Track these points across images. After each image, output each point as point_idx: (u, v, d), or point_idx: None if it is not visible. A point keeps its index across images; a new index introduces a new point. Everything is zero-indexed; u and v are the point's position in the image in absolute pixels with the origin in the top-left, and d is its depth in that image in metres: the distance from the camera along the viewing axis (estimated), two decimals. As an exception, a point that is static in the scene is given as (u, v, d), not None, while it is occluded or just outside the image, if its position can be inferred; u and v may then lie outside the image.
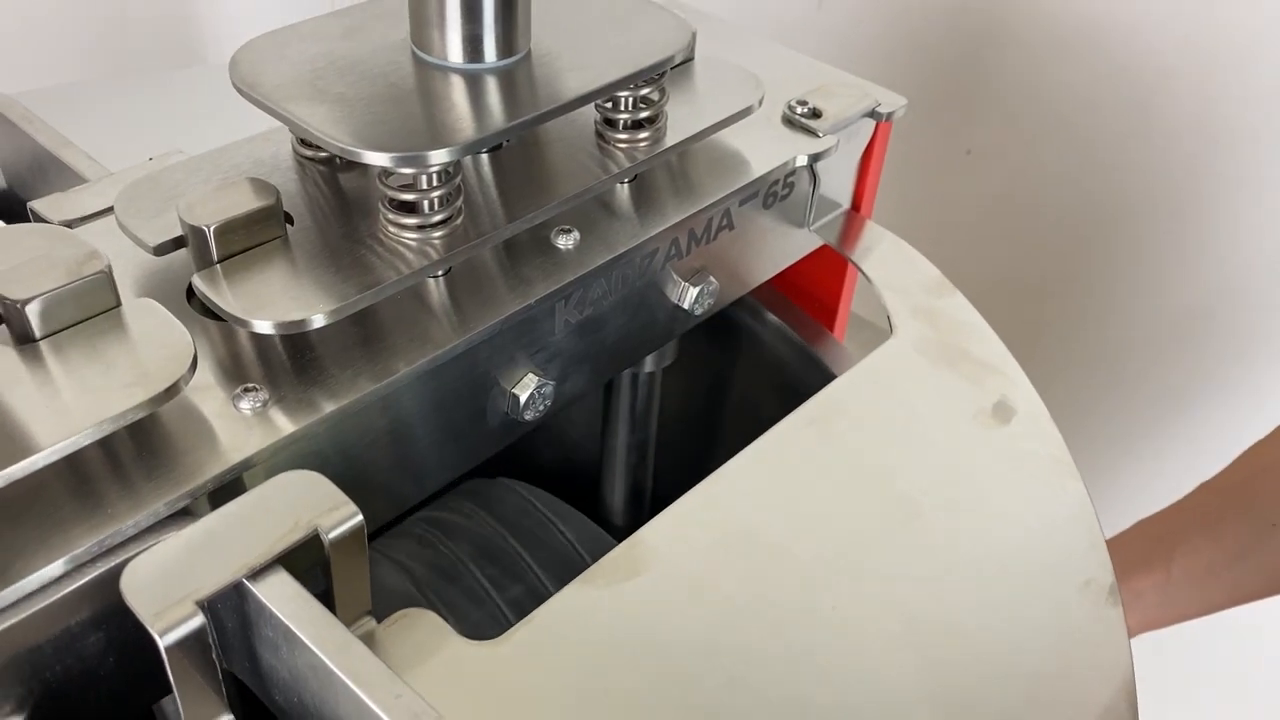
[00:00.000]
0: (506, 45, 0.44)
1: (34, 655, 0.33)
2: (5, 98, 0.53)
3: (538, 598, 0.63)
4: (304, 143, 0.46)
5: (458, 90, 0.43)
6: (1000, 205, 1.11)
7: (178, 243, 0.40)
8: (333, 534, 0.34)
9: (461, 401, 0.44)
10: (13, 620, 0.32)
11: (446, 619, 0.38)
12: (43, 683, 0.34)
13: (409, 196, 0.41)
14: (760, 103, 0.52)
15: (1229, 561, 0.63)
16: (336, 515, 0.34)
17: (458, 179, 0.42)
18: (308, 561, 0.34)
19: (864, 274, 0.56)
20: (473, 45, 0.44)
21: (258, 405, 0.38)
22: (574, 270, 0.45)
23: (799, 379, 0.62)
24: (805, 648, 0.40)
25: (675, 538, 0.42)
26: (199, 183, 0.43)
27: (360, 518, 0.35)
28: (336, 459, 0.40)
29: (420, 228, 0.42)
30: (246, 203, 0.40)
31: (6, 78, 0.64)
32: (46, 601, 0.33)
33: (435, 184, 0.41)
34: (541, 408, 0.47)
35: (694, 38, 0.48)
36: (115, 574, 0.34)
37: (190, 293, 0.42)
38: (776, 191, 0.55)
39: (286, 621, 0.32)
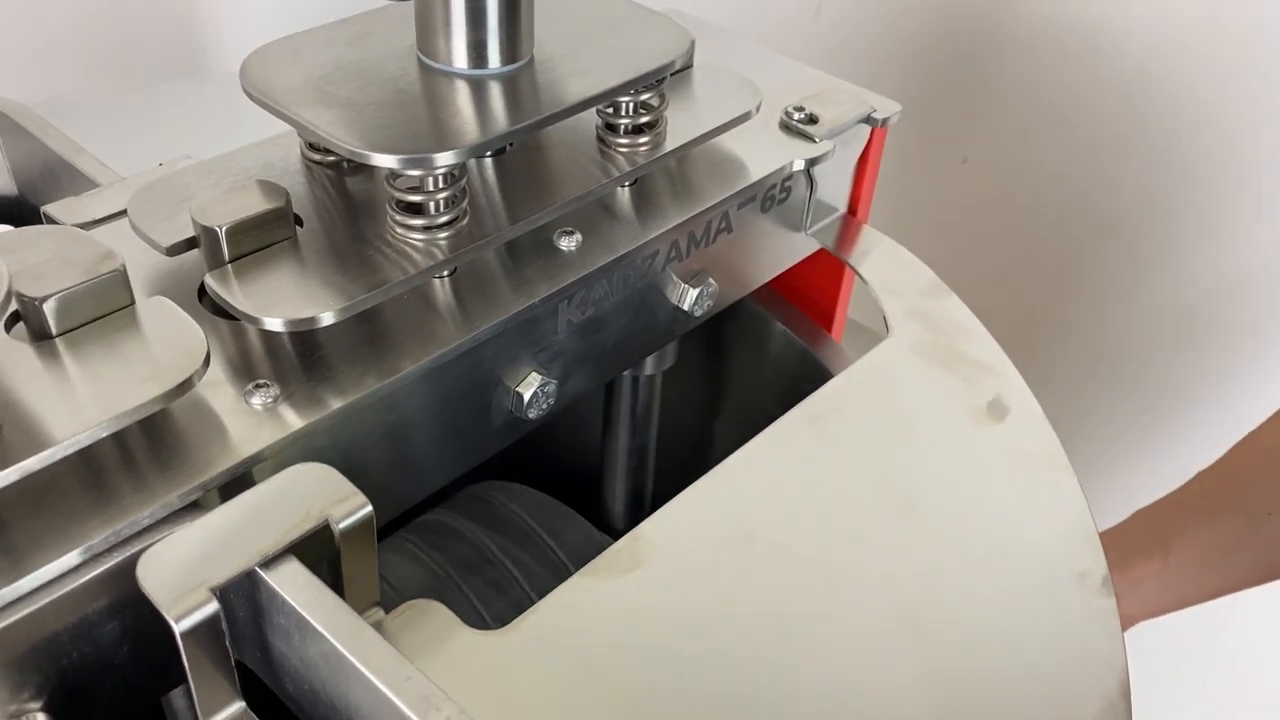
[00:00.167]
0: (510, 52, 0.45)
1: (52, 643, 0.34)
2: (18, 105, 0.54)
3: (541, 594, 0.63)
4: (312, 147, 0.47)
5: (463, 95, 0.44)
6: (996, 211, 1.12)
7: (190, 243, 0.41)
8: (343, 524, 0.35)
9: (466, 399, 0.45)
10: (32, 608, 0.33)
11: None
12: (60, 670, 0.34)
13: (415, 198, 0.42)
14: (758, 108, 0.53)
15: (1226, 550, 0.64)
16: (346, 506, 0.35)
17: (463, 181, 0.44)
18: (318, 552, 0.35)
19: (860, 276, 0.57)
20: (477, 52, 0.45)
21: (269, 401, 0.39)
22: (576, 271, 0.46)
23: (798, 381, 0.63)
24: (803, 640, 0.41)
25: (675, 532, 0.43)
26: (210, 186, 0.44)
27: (369, 508, 0.36)
28: (344, 454, 0.41)
29: (426, 229, 0.43)
30: (257, 204, 0.41)
31: (6, 86, 0.65)
32: (64, 590, 0.34)
33: (441, 186, 0.42)
34: (544, 406, 0.48)
35: (693, 45, 0.49)
36: (130, 564, 0.35)
37: (201, 292, 0.43)
38: (774, 195, 0.56)
39: (298, 608, 0.33)
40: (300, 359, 0.42)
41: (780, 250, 0.59)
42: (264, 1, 1.14)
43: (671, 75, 0.51)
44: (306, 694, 0.36)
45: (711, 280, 0.54)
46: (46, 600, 0.34)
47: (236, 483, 0.38)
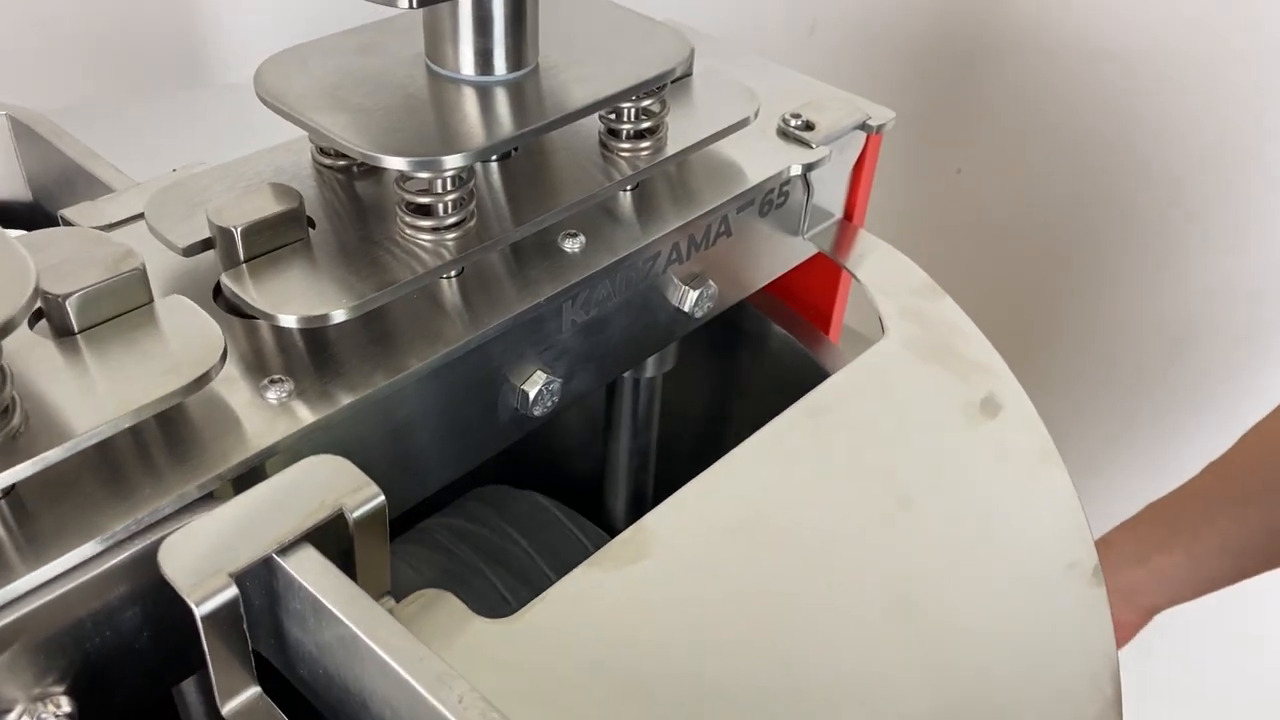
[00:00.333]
0: (516, 59, 0.47)
1: (75, 628, 0.35)
2: (33, 113, 0.56)
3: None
4: (323, 151, 0.48)
5: (470, 101, 0.45)
6: (989, 219, 1.14)
7: (205, 244, 0.43)
8: (357, 513, 0.36)
9: (474, 397, 0.46)
10: (55, 594, 0.34)
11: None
12: (83, 654, 0.35)
13: (425, 200, 0.44)
14: (756, 115, 0.54)
15: (1249, 534, 0.65)
16: (360, 496, 0.36)
17: (470, 184, 0.45)
18: (333, 541, 0.36)
19: (856, 278, 0.59)
20: (484, 59, 0.46)
21: (284, 395, 0.40)
22: (580, 272, 0.48)
23: (796, 382, 0.64)
24: (804, 628, 0.42)
25: (678, 523, 0.44)
26: (224, 189, 0.45)
27: (382, 498, 0.37)
28: (355, 449, 0.42)
29: (435, 230, 0.44)
30: (271, 206, 0.42)
31: (11, 96, 0.66)
32: (86, 577, 0.35)
33: (449, 188, 0.44)
34: (549, 404, 0.49)
35: (692, 53, 0.51)
36: (149, 552, 0.36)
37: (215, 292, 0.45)
38: (772, 200, 0.57)
39: (314, 592, 0.34)
40: (312, 357, 0.43)
41: (778, 254, 0.60)
42: (264, 16, 1.16)
43: (672, 82, 0.52)
44: (321, 679, 0.37)
45: (711, 282, 0.55)
46: (69, 586, 0.35)
47: (250, 475, 0.39)
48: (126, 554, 0.36)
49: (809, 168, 0.56)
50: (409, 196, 0.44)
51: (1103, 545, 0.69)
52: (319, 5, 1.11)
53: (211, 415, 0.40)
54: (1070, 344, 1.12)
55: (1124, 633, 0.72)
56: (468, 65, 0.46)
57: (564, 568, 0.67)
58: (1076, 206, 1.05)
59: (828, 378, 0.52)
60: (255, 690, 0.37)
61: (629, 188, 0.52)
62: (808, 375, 0.63)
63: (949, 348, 0.55)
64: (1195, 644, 1.03)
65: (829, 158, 0.57)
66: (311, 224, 0.45)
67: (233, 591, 0.34)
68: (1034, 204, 1.10)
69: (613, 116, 0.50)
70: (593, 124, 0.51)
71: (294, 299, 0.41)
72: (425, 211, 0.44)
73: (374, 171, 0.48)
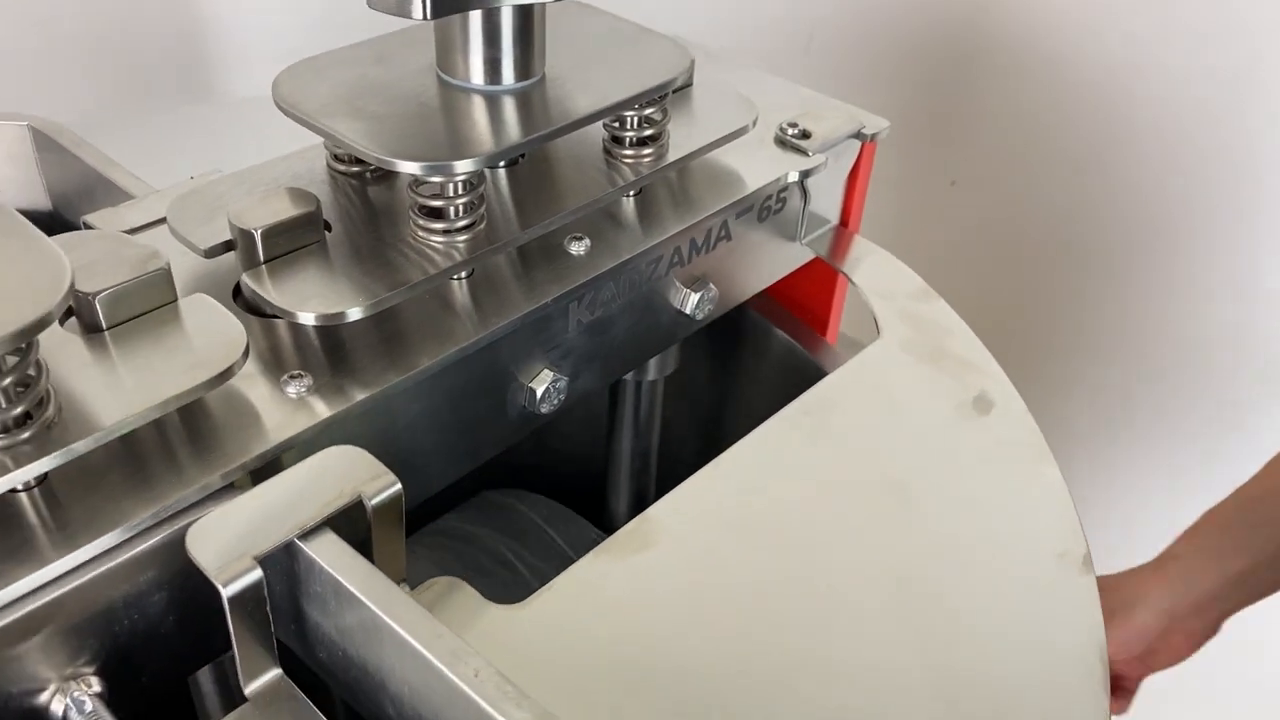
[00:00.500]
0: (524, 69, 0.48)
1: (106, 612, 0.36)
2: (54, 124, 0.58)
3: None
4: (336, 158, 0.50)
5: (479, 109, 0.47)
6: (983, 229, 1.16)
7: (227, 246, 0.44)
8: (374, 500, 0.38)
9: (484, 393, 0.48)
10: (87, 578, 0.36)
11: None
12: (112, 636, 0.37)
13: (437, 203, 0.45)
14: (754, 123, 0.56)
15: None
16: (378, 484, 0.38)
17: (481, 189, 0.47)
18: (351, 528, 0.38)
19: (852, 282, 0.60)
20: (493, 69, 0.48)
21: (303, 390, 0.42)
22: (586, 273, 0.49)
23: (796, 384, 0.65)
24: (801, 613, 0.43)
25: (681, 515, 0.46)
26: (243, 194, 0.47)
27: (399, 486, 0.38)
28: (370, 443, 0.44)
29: (446, 232, 0.46)
30: (290, 209, 0.44)
31: (16, 108, 0.68)
32: (115, 562, 0.36)
33: (460, 192, 0.45)
34: (556, 401, 0.50)
35: (693, 64, 0.52)
36: (175, 539, 0.37)
37: (234, 293, 0.46)
38: (770, 206, 0.59)
39: (335, 574, 0.35)
40: (327, 355, 0.44)
41: (777, 258, 0.62)
42: (269, 17, 1.18)
43: (673, 92, 0.54)
44: (339, 661, 0.38)
45: (712, 285, 0.57)
46: (98, 572, 0.36)
47: (267, 468, 0.40)
48: (153, 541, 0.37)
49: (806, 174, 0.58)
50: (422, 200, 0.45)
51: (1170, 560, 0.70)
52: (318, 14, 1.14)
53: (232, 409, 0.41)
54: (1062, 353, 1.13)
55: (1193, 642, 0.70)
56: (477, 75, 0.48)
57: (567, 568, 0.68)
58: (1068, 218, 1.07)
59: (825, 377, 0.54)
60: (277, 672, 0.38)
61: (632, 193, 0.54)
62: (806, 377, 0.64)
63: (942, 348, 0.56)
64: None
65: (825, 165, 0.59)
66: (328, 227, 0.46)
67: (257, 574, 0.35)
68: (1026, 215, 1.11)
69: (616, 124, 0.52)
70: (597, 131, 0.53)
71: (312, 297, 0.42)
72: (437, 214, 0.46)
73: (386, 177, 0.50)
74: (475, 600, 0.42)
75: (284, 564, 0.37)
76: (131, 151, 0.67)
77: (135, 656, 0.38)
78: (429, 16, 0.42)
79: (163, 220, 0.49)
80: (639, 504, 0.75)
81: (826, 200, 0.64)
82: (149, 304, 0.41)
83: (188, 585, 0.38)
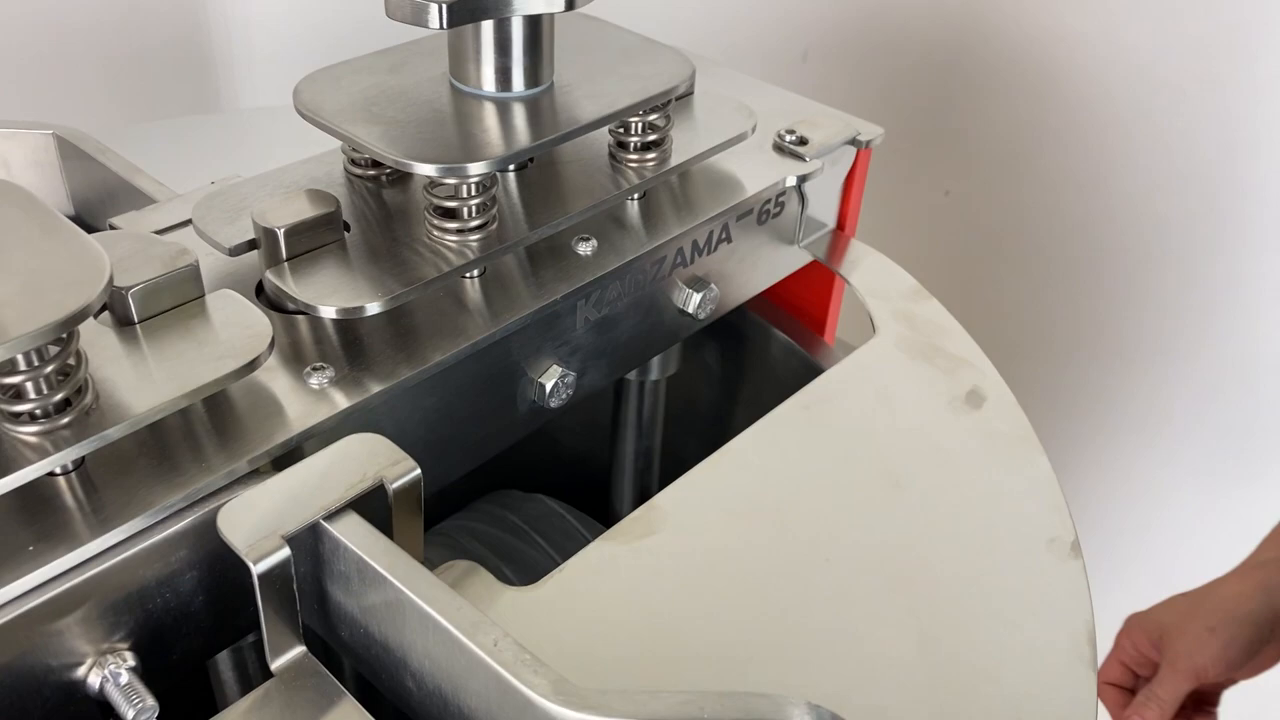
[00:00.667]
0: (533, 77, 0.51)
1: (139, 591, 0.38)
2: (78, 131, 0.60)
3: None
4: (354, 162, 0.52)
5: (491, 115, 0.49)
6: (977, 237, 1.18)
7: (250, 245, 0.46)
8: (395, 484, 0.40)
9: (496, 387, 0.50)
10: (121, 558, 0.37)
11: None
12: (146, 613, 0.39)
13: (451, 204, 0.47)
14: (753, 130, 0.58)
15: None
16: (398, 469, 0.40)
17: (493, 190, 0.49)
18: (372, 512, 0.40)
19: (849, 283, 0.63)
20: (503, 77, 0.50)
21: (325, 382, 0.44)
22: (593, 272, 0.51)
23: (795, 383, 0.67)
24: (801, 595, 0.45)
25: (686, 502, 0.48)
26: (265, 195, 0.49)
27: (418, 471, 0.40)
28: (388, 434, 0.45)
29: (460, 231, 0.48)
30: (312, 209, 0.46)
31: (14, 112, 0.69)
32: (147, 543, 0.38)
33: (474, 193, 0.47)
34: (564, 396, 0.52)
35: (694, 72, 0.55)
36: (204, 521, 0.39)
37: (257, 290, 0.48)
38: (769, 210, 0.61)
39: (359, 552, 0.37)
40: (345, 350, 0.46)
41: (775, 261, 0.64)
42: (269, 49, 1.21)
43: (676, 100, 0.56)
44: (361, 639, 0.40)
45: (713, 286, 0.59)
46: (132, 551, 0.38)
47: (288, 456, 0.42)
48: (183, 523, 0.39)
49: (803, 179, 0.60)
50: (436, 201, 0.48)
51: (1257, 569, 0.68)
52: (321, 28, 1.16)
53: (255, 401, 0.43)
54: (1054, 364, 1.15)
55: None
56: (489, 83, 0.50)
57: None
58: (1062, 228, 1.10)
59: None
60: (301, 649, 0.40)
61: (636, 196, 0.56)
62: (805, 377, 0.66)
63: (936, 346, 0.58)
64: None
65: (821, 170, 0.61)
66: (346, 227, 0.48)
67: (285, 552, 0.37)
68: (1020, 225, 1.14)
69: (621, 130, 0.54)
70: (603, 137, 0.55)
71: (332, 293, 0.44)
72: (451, 215, 0.48)
73: (401, 180, 0.52)
74: (491, 583, 0.43)
75: (309, 545, 0.39)
76: (141, 161, 0.69)
77: (166, 634, 0.40)
78: (445, 26, 0.44)
79: (186, 223, 0.51)
80: (643, 502, 0.77)
81: (823, 205, 0.66)
82: (178, 298, 0.43)
83: (216, 567, 0.40)
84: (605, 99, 0.51)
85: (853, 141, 0.64)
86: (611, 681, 0.40)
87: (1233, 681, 0.69)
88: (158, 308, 0.42)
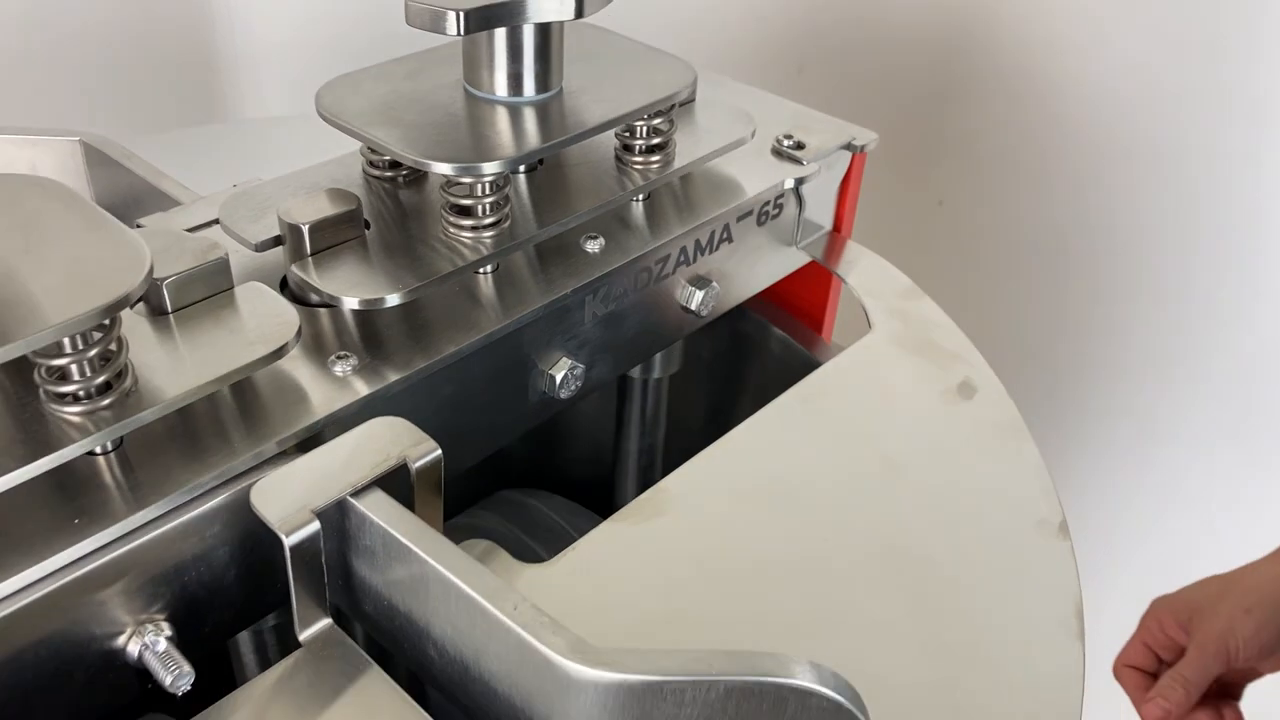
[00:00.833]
0: (543, 82, 0.53)
1: (175, 564, 0.40)
2: (103, 138, 0.62)
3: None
4: (372, 164, 0.54)
5: (504, 118, 0.52)
6: (969, 246, 1.20)
7: (276, 241, 0.49)
8: (418, 464, 0.42)
9: (510, 377, 0.52)
10: (158, 532, 0.40)
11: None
12: (182, 585, 0.41)
13: (467, 201, 0.50)
14: (752, 135, 0.61)
15: None
16: (420, 450, 0.42)
17: (506, 190, 0.51)
18: (395, 491, 0.42)
19: (845, 282, 0.65)
20: (515, 82, 0.53)
21: (349, 370, 0.46)
22: (601, 268, 0.54)
23: (794, 381, 0.70)
24: (802, 571, 0.47)
25: (691, 486, 0.50)
26: (289, 195, 0.51)
27: (439, 452, 0.42)
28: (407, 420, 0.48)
29: (474, 228, 0.50)
30: (335, 207, 0.48)
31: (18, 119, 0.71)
32: (182, 519, 0.40)
33: (488, 192, 0.50)
34: (574, 387, 0.54)
35: (696, 78, 0.57)
36: (238, 499, 0.41)
37: (280, 286, 0.50)
38: (768, 211, 0.64)
39: (384, 525, 0.39)
40: (365, 341, 0.49)
41: (775, 261, 0.66)
42: (271, 63, 1.24)
43: (678, 106, 0.59)
44: (384, 612, 0.42)
45: (715, 284, 0.61)
46: (168, 527, 0.40)
47: (313, 439, 0.44)
48: (215, 501, 0.41)
49: (800, 182, 0.63)
50: (453, 199, 0.50)
51: None
52: (324, 42, 1.19)
53: (281, 388, 0.45)
54: (1050, 371, 1.18)
55: None
56: (501, 88, 0.52)
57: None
58: (1057, 237, 1.12)
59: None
60: (328, 621, 0.42)
61: (641, 197, 0.59)
62: (804, 375, 0.69)
63: (929, 340, 0.61)
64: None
65: (818, 173, 0.64)
66: (366, 225, 0.51)
67: (315, 526, 0.39)
68: (1014, 234, 1.16)
69: (627, 134, 0.57)
70: (609, 140, 0.58)
71: (354, 285, 0.47)
72: (466, 212, 0.50)
73: (416, 181, 0.55)
74: (509, 561, 0.46)
75: (336, 522, 0.41)
76: (169, 164, 0.71)
77: (200, 606, 0.42)
78: (462, 32, 0.47)
79: (212, 223, 0.54)
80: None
81: (820, 208, 0.68)
82: (210, 289, 0.45)
83: (247, 543, 0.42)
84: (612, 103, 0.54)
85: (848, 146, 0.67)
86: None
87: (1258, 674, 0.66)
88: (190, 298, 0.44)
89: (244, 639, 0.54)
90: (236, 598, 0.43)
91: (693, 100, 0.63)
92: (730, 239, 0.62)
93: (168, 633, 0.40)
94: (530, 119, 0.52)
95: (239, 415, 0.44)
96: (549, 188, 0.55)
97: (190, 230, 0.54)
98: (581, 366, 0.55)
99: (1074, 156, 1.07)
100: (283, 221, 0.48)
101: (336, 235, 0.49)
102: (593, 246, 0.55)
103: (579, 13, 0.50)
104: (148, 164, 0.60)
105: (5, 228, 0.40)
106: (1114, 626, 0.67)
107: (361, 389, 0.46)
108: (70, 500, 0.39)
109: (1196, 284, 1.04)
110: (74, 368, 0.39)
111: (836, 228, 0.70)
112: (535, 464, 0.85)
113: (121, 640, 0.40)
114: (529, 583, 0.45)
